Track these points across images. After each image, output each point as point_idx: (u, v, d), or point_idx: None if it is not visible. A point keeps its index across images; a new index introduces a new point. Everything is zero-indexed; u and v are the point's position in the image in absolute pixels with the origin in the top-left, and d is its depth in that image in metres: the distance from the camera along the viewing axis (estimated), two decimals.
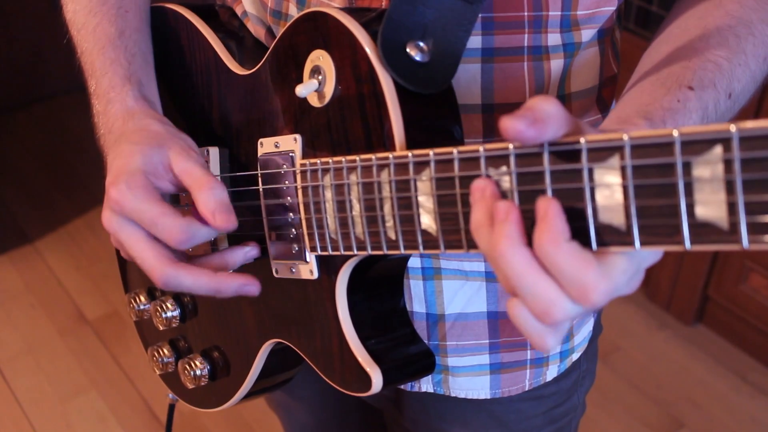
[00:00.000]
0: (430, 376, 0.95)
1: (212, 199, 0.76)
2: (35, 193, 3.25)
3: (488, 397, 0.96)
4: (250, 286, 0.80)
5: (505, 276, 0.58)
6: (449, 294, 0.91)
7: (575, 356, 0.99)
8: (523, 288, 0.57)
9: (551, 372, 0.97)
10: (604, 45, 0.87)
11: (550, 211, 0.56)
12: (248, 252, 0.85)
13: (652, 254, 0.57)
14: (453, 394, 0.96)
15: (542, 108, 0.55)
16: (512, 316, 0.59)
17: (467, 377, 0.95)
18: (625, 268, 0.56)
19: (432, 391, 0.97)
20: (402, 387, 0.98)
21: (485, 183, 0.60)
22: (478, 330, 0.92)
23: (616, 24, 0.89)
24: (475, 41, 0.79)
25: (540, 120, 0.54)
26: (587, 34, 0.82)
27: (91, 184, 3.24)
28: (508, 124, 0.55)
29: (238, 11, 0.96)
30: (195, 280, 0.78)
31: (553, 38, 0.81)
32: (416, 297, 0.91)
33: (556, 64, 0.82)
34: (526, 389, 0.97)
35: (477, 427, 1.00)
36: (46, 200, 3.20)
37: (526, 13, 0.79)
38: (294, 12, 0.86)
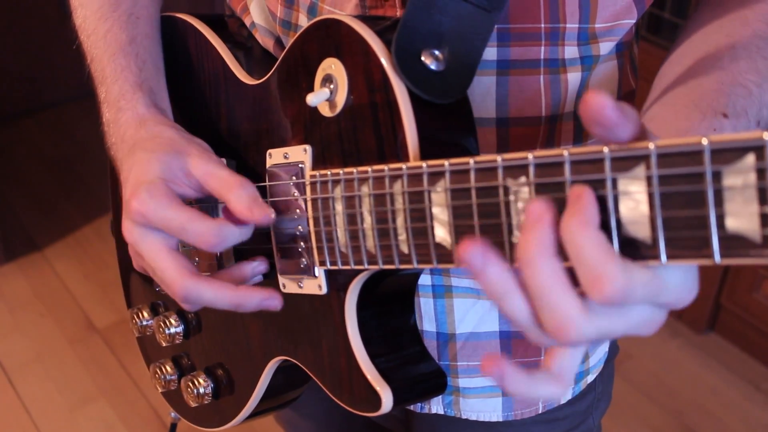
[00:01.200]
0: (440, 397, 0.92)
1: (245, 195, 0.74)
2: (43, 200, 3.26)
3: (500, 419, 0.93)
4: (273, 300, 0.77)
5: (528, 286, 0.55)
6: (460, 312, 0.88)
7: (590, 378, 0.96)
8: (543, 301, 0.55)
9: (565, 395, 0.94)
10: (623, 59, 0.85)
11: (584, 196, 0.53)
12: (256, 267, 0.83)
13: (678, 288, 0.54)
14: (464, 416, 0.93)
15: (630, 110, 0.52)
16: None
17: (479, 399, 0.92)
18: (646, 282, 0.53)
19: (442, 412, 0.94)
20: (411, 408, 0.95)
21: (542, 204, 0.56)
22: (490, 350, 0.90)
23: (634, 38, 0.87)
24: (490, 53, 0.77)
25: (627, 115, 0.51)
26: (606, 47, 0.80)
27: (98, 191, 3.25)
28: (594, 96, 0.50)
29: (247, 22, 0.95)
30: (216, 293, 0.75)
31: (570, 51, 0.79)
32: (426, 315, 0.88)
33: (573, 78, 0.80)
34: (540, 412, 0.94)
35: None
36: (54, 208, 3.21)
37: (543, 25, 0.77)
38: (304, 22, 0.84)
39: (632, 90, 0.88)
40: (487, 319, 0.88)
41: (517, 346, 0.90)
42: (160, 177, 0.76)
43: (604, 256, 0.52)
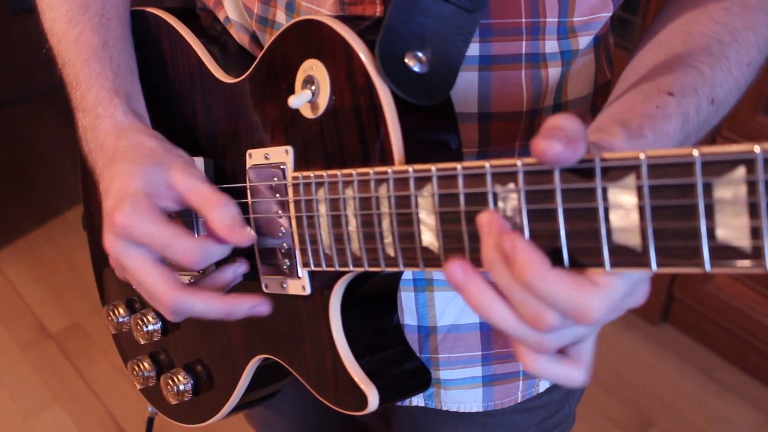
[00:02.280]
0: None
1: (226, 215, 0.74)
2: None
3: (480, 410, 0.94)
4: (262, 306, 0.77)
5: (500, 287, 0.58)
6: (441, 306, 0.89)
7: None
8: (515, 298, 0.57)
9: (543, 383, 0.96)
10: (599, 52, 0.85)
11: (519, 247, 0.55)
12: (237, 269, 0.82)
13: (634, 294, 0.57)
14: (445, 408, 0.94)
15: (572, 127, 0.53)
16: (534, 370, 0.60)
17: (459, 390, 0.93)
18: (617, 287, 0.55)
19: (423, 405, 0.95)
20: None
21: (490, 216, 0.58)
22: (471, 342, 0.91)
23: (609, 30, 0.88)
24: (472, 49, 0.77)
25: (573, 140, 0.52)
26: (584, 41, 0.81)
27: (49, 194, 3.16)
28: (544, 145, 0.52)
29: (221, 17, 0.93)
30: (206, 304, 0.75)
31: (551, 45, 0.79)
32: (408, 309, 0.89)
33: (553, 72, 0.81)
34: (519, 401, 0.95)
35: None
36: (3, 211, 3.11)
37: (523, 20, 0.77)
38: (282, 19, 0.83)
39: (608, 81, 0.89)
40: (468, 311, 0.89)
41: (497, 337, 0.91)
42: (143, 190, 0.75)
43: (576, 293, 0.54)
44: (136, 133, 0.80)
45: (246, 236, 0.74)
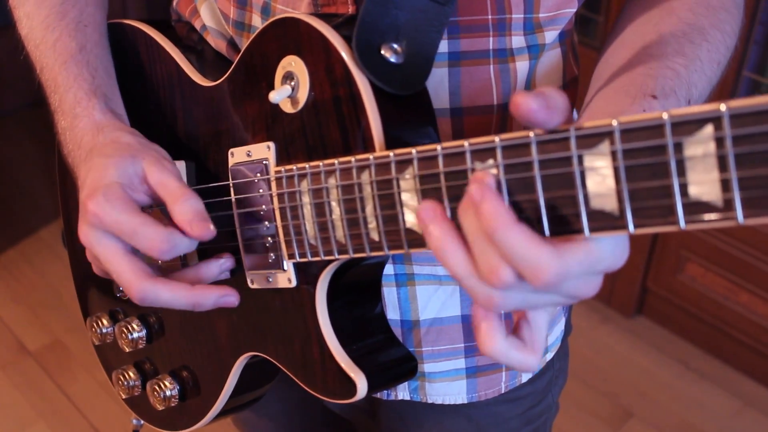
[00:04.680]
0: (406, 383, 0.95)
1: (188, 209, 0.75)
2: None
3: (465, 401, 0.96)
4: (229, 297, 0.78)
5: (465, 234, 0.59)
6: (423, 299, 0.91)
7: (549, 356, 1.00)
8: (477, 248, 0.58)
9: (526, 373, 0.98)
10: (566, 47, 0.88)
11: (488, 196, 0.57)
12: (223, 264, 0.84)
13: (609, 254, 0.58)
14: (430, 401, 0.96)
15: (555, 97, 0.55)
16: (489, 351, 0.61)
17: (444, 383, 0.95)
18: (580, 259, 0.57)
19: (409, 398, 0.96)
20: (378, 396, 0.97)
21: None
22: (453, 334, 0.92)
23: (574, 27, 0.91)
24: (441, 45, 0.79)
25: (551, 107, 0.55)
26: (550, 36, 0.84)
27: (21, 213, 3.17)
28: (521, 100, 0.55)
29: (197, 25, 0.95)
30: (173, 294, 0.76)
31: (518, 41, 0.82)
32: (390, 304, 0.91)
33: (521, 66, 0.83)
34: (503, 392, 0.97)
35: None
36: None
37: (490, 17, 0.80)
38: (258, 23, 0.85)
39: (575, 76, 0.92)
40: (450, 304, 0.91)
41: None
42: (117, 181, 0.76)
43: (534, 248, 0.56)
44: (113, 130, 0.82)
45: (205, 231, 0.74)
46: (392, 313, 0.91)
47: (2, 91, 3.35)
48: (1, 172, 3.37)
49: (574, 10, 0.84)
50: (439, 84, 0.81)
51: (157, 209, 0.82)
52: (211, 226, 0.75)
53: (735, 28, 0.83)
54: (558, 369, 1.04)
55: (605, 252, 0.58)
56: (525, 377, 0.98)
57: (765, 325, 2.30)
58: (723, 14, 0.83)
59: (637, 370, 2.50)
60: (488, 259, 0.58)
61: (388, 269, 0.89)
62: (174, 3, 1.02)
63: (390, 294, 0.90)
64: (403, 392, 0.96)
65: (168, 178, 0.77)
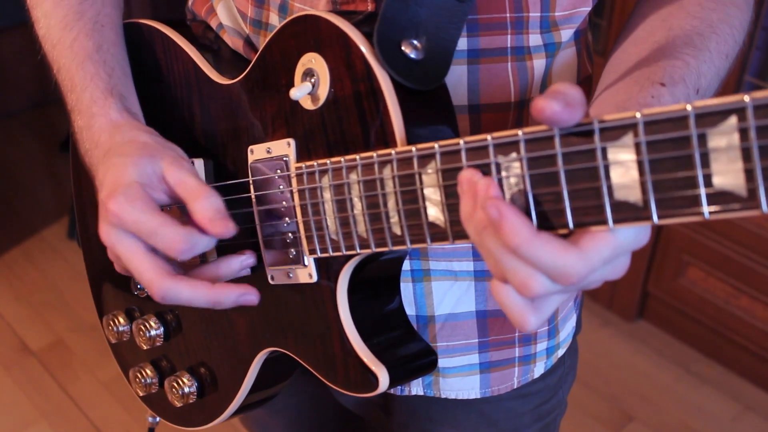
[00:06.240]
0: (420, 378, 0.96)
1: (208, 207, 0.75)
2: None
3: (478, 396, 0.97)
4: (250, 295, 0.79)
5: (494, 258, 0.60)
6: (439, 295, 0.92)
7: (560, 352, 1.01)
8: (506, 264, 0.60)
9: (538, 369, 0.99)
10: (580, 45, 0.89)
11: (505, 215, 0.58)
12: (245, 260, 0.84)
13: (632, 239, 0.60)
14: (443, 396, 0.97)
15: (572, 93, 0.57)
16: (495, 293, 0.62)
17: (457, 378, 0.95)
18: (605, 255, 0.58)
19: (422, 393, 0.97)
20: (392, 391, 0.98)
21: (471, 173, 0.62)
22: (468, 330, 0.93)
23: (588, 26, 0.92)
24: (460, 43, 0.80)
25: (572, 104, 0.56)
26: (566, 34, 0.85)
27: (25, 213, 3.19)
28: (544, 104, 0.56)
29: (213, 24, 0.96)
30: (193, 292, 0.77)
31: (534, 39, 0.83)
32: (406, 299, 0.91)
33: (538, 64, 0.85)
34: (515, 387, 0.98)
35: (467, 427, 1.01)
36: None
37: (508, 15, 0.81)
38: (275, 21, 0.86)
39: (589, 75, 0.93)
40: (465, 300, 0.92)
41: (493, 324, 0.93)
42: (137, 181, 0.77)
43: (559, 254, 0.58)
44: (130, 129, 0.83)
45: (226, 228, 0.75)
46: (408, 309, 0.92)
47: (6, 92, 3.38)
48: (5, 172, 3.39)
49: (589, 8, 0.85)
50: (458, 81, 0.82)
51: (175, 207, 0.82)
52: (231, 224, 0.75)
53: (744, 23, 0.84)
54: (568, 366, 1.05)
55: (628, 238, 0.59)
56: (537, 373, 0.99)
57: (766, 330, 2.31)
58: (732, 9, 0.84)
59: (638, 373, 2.51)
60: (518, 272, 0.59)
61: (404, 265, 0.90)
62: (189, 2, 1.03)
63: (406, 289, 0.91)
64: (416, 387, 0.97)
65: (187, 177, 0.78)
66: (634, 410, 2.39)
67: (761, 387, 2.42)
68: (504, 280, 0.61)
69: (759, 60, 2.11)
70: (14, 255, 3.02)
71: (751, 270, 2.28)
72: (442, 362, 0.94)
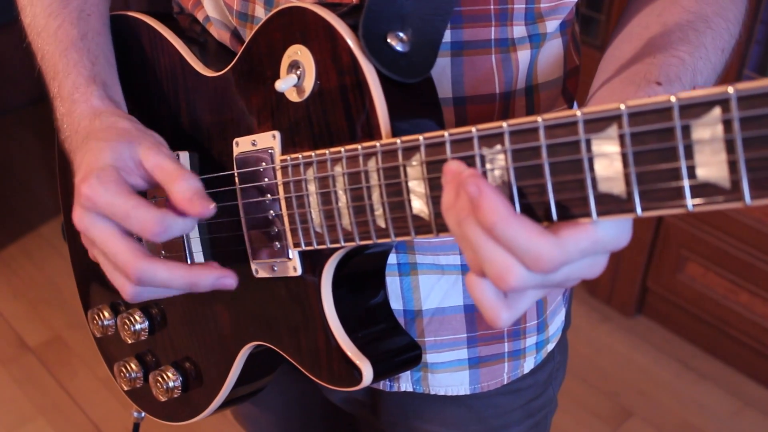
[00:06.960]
0: (409, 373, 0.95)
1: (186, 188, 0.74)
2: None
3: (467, 393, 0.96)
4: (227, 279, 0.78)
5: (472, 248, 0.59)
6: (426, 289, 0.91)
7: (550, 347, 1.00)
8: (484, 254, 0.59)
9: (528, 364, 0.98)
10: (567, 37, 0.89)
11: (484, 192, 0.57)
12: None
13: (613, 236, 0.59)
14: (432, 392, 0.96)
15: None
16: (470, 287, 0.61)
17: (446, 373, 0.95)
18: (583, 246, 0.58)
19: (411, 389, 0.96)
20: (380, 387, 0.98)
21: (458, 165, 0.61)
22: (456, 324, 0.93)
23: (575, 17, 0.91)
24: (444, 35, 0.79)
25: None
26: (551, 25, 0.84)
27: (22, 210, 3.18)
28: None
29: (200, 16, 0.95)
30: (170, 273, 0.75)
31: (519, 30, 0.82)
32: (393, 294, 0.91)
33: (523, 56, 0.84)
34: (505, 383, 0.97)
35: (456, 423, 1.00)
36: None
37: (492, 7, 0.80)
38: (261, 13, 0.86)
39: (577, 66, 0.92)
40: (452, 294, 0.91)
41: (482, 319, 0.93)
42: (112, 164, 0.76)
43: (535, 237, 0.57)
44: (110, 116, 0.82)
45: (206, 208, 0.73)
46: (395, 303, 0.91)
47: (4, 88, 3.37)
48: (2, 168, 3.39)
49: (575, 0, 0.85)
50: (441, 73, 0.82)
51: (162, 199, 0.82)
52: (212, 204, 0.74)
53: (738, 16, 0.84)
54: (558, 362, 1.05)
55: (608, 235, 0.58)
56: (527, 368, 0.98)
57: (765, 325, 2.31)
58: (727, 2, 0.83)
59: (637, 369, 2.50)
60: (495, 261, 0.58)
61: (391, 259, 0.89)
62: None
63: (393, 283, 0.90)
64: (405, 383, 0.96)
65: (164, 161, 0.77)
66: (633, 406, 2.39)
67: (760, 382, 2.41)
68: (481, 273, 0.60)
69: (758, 54, 2.10)
70: (12, 251, 3.01)
71: (750, 265, 2.27)
72: (430, 357, 0.94)
